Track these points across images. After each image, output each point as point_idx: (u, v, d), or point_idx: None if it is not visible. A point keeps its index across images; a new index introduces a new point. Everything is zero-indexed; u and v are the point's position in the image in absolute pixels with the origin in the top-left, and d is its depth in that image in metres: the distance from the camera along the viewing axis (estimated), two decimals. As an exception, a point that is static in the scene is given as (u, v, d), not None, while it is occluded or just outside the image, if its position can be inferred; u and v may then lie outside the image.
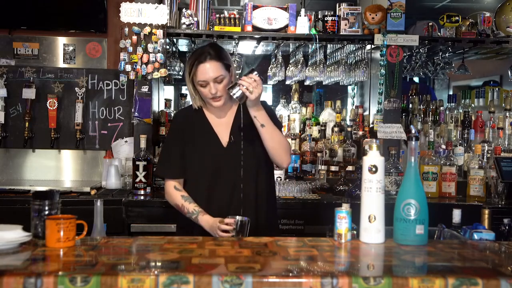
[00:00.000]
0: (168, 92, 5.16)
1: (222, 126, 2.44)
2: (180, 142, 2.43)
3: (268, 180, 2.48)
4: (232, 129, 2.42)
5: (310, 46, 3.80)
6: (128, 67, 3.43)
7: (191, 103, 2.49)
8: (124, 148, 3.74)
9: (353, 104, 4.36)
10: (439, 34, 3.77)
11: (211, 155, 2.39)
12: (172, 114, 3.92)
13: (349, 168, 3.63)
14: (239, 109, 2.43)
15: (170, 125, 2.68)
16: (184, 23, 3.51)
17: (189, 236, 1.97)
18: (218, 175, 2.36)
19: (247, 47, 4.13)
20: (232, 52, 3.91)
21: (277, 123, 2.42)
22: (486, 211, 2.22)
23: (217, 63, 2.31)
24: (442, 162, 3.45)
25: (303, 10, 3.62)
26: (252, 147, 2.39)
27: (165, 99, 3.96)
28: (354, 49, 3.92)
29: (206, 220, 2.30)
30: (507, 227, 2.26)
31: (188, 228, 2.38)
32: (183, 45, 4.09)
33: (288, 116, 3.97)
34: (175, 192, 2.41)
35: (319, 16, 3.70)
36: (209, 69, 2.30)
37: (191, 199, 2.37)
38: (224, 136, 2.42)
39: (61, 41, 3.82)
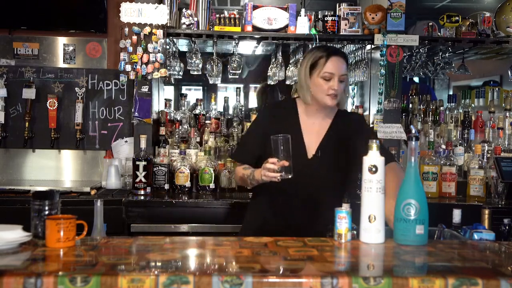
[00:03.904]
0: (168, 92, 5.15)
1: (312, 135, 2.38)
2: (260, 135, 2.37)
3: (341, 196, 2.42)
4: (322, 142, 2.36)
5: (310, 46, 3.80)
6: (128, 67, 3.43)
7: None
8: (124, 148, 3.74)
9: (353, 104, 4.35)
10: (439, 34, 3.77)
11: (295, 165, 2.25)
12: (176, 116, 3.91)
13: (349, 168, 3.62)
14: (335, 121, 2.40)
15: (257, 115, 2.64)
16: (184, 23, 3.51)
17: (189, 237, 1.97)
18: (292, 185, 2.25)
19: (247, 47, 4.13)
20: (232, 52, 3.92)
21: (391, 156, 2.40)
22: (486, 211, 2.22)
23: (345, 64, 2.33)
24: (442, 162, 3.45)
25: (303, 10, 3.62)
26: (337, 166, 2.36)
27: (165, 99, 3.96)
28: (354, 49, 3.92)
29: (258, 171, 2.25)
30: (507, 227, 2.26)
31: (256, 225, 2.38)
32: (183, 45, 4.09)
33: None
34: (239, 168, 2.43)
35: (319, 16, 3.70)
36: (341, 64, 2.30)
37: (250, 167, 2.35)
38: (311, 147, 2.36)
39: (61, 41, 3.82)
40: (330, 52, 2.32)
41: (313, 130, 2.39)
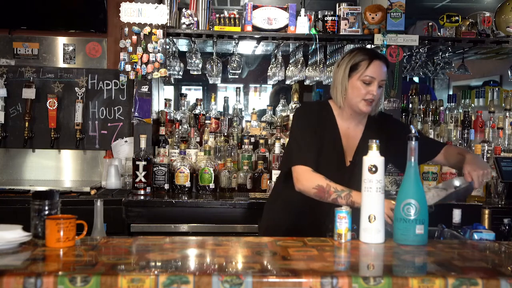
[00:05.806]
0: (168, 92, 5.16)
1: (349, 140, 2.33)
2: (315, 133, 2.27)
3: None
4: (358, 148, 2.31)
5: (310, 46, 3.80)
6: (128, 67, 3.43)
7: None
8: (124, 148, 3.75)
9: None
10: (439, 34, 3.77)
11: (333, 173, 2.22)
12: (176, 116, 3.91)
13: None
14: (368, 126, 2.36)
15: (301, 116, 2.37)
16: (184, 23, 3.51)
17: (189, 237, 1.97)
18: None
19: (247, 47, 4.13)
20: (232, 52, 3.92)
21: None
22: (486, 211, 2.22)
23: (386, 69, 2.28)
24: (442, 162, 3.45)
25: (303, 10, 3.62)
26: None
27: (165, 99, 3.96)
28: (354, 49, 3.92)
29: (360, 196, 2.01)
30: (507, 227, 2.26)
31: (274, 228, 2.35)
32: (183, 45, 4.09)
33: (288, 116, 3.97)
34: (314, 174, 2.18)
35: (319, 16, 3.70)
36: (383, 69, 2.25)
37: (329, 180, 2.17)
38: (348, 153, 2.33)
39: (61, 41, 3.82)
40: (373, 55, 2.26)
41: (349, 136, 2.34)
